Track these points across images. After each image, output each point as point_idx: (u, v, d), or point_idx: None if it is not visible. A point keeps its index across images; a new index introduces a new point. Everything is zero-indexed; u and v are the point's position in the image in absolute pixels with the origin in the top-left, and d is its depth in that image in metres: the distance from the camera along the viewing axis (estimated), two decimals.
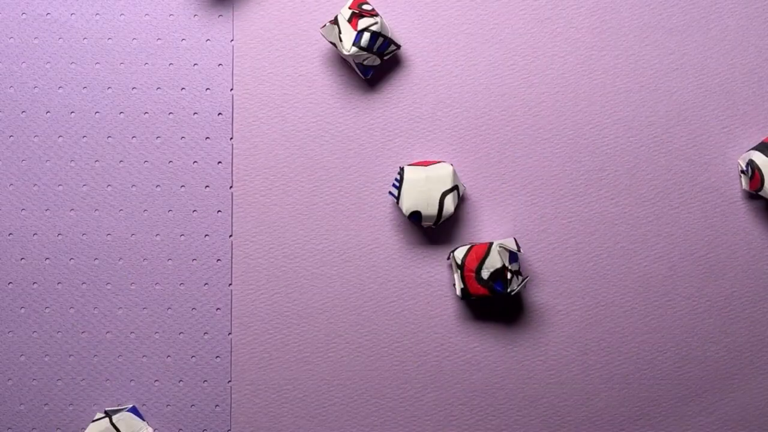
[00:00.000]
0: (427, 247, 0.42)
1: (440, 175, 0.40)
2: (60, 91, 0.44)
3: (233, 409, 0.42)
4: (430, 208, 0.40)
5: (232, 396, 0.42)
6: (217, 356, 0.42)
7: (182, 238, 0.43)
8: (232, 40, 0.45)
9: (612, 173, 0.41)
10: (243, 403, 0.42)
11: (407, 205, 0.40)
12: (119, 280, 0.43)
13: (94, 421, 0.42)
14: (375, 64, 0.39)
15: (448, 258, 0.41)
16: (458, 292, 0.39)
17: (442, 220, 0.40)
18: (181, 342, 0.43)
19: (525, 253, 0.42)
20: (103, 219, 0.44)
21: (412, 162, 0.41)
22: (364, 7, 0.38)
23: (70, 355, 0.43)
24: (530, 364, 0.42)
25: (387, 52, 0.39)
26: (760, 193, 0.41)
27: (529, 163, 0.42)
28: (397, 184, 0.37)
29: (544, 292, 0.42)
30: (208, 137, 0.44)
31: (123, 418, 0.41)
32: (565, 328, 0.42)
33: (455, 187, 0.41)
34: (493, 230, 0.42)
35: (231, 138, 0.44)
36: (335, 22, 0.39)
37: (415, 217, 0.40)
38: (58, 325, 0.43)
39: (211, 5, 0.45)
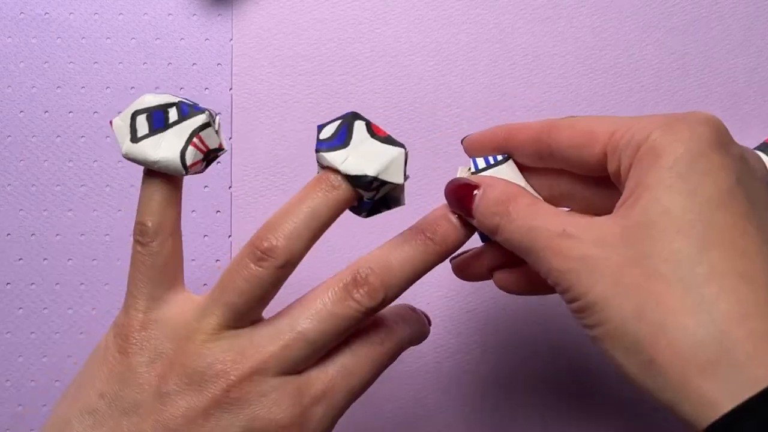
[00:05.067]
0: None
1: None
2: (58, 90, 0.44)
3: None
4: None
5: None
6: None
7: None
8: (231, 40, 0.44)
9: None
10: None
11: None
12: (117, 280, 0.43)
13: None
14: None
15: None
16: None
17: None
18: None
19: None
20: (102, 219, 0.43)
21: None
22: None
23: (68, 356, 0.43)
24: (530, 364, 0.42)
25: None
26: None
27: None
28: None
29: None
30: None
31: None
32: (565, 328, 0.42)
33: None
34: None
35: (230, 138, 0.44)
36: None
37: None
38: (56, 326, 0.43)
39: (210, 5, 0.45)
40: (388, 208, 0.29)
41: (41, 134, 0.44)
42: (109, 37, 0.44)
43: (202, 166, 0.29)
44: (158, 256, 0.27)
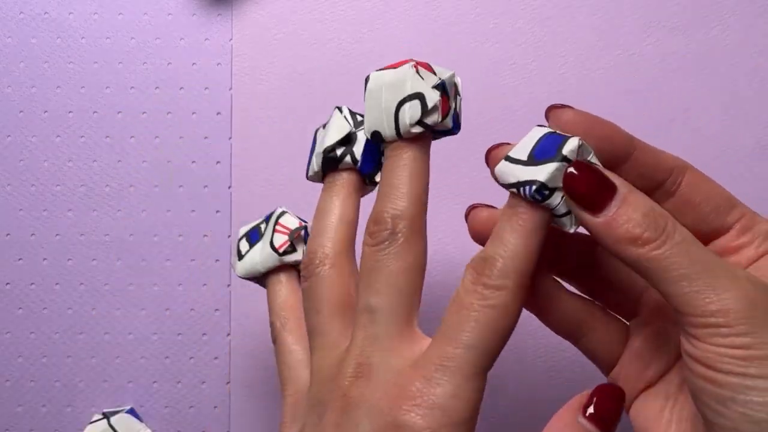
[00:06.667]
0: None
1: (397, 80, 0.27)
2: (58, 90, 0.44)
3: (232, 411, 0.41)
4: (386, 125, 0.27)
5: (231, 397, 0.41)
6: (216, 357, 0.42)
7: (180, 238, 0.43)
8: (230, 39, 0.44)
9: None
10: (242, 404, 0.41)
11: (367, 124, 0.28)
12: (117, 281, 0.43)
13: (91, 422, 0.42)
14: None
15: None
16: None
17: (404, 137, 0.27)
18: (180, 343, 0.43)
19: None
20: (101, 219, 0.43)
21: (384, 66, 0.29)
22: None
23: (68, 356, 0.43)
24: (531, 365, 0.42)
25: None
26: None
27: None
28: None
29: None
30: (206, 137, 0.44)
31: (121, 420, 0.41)
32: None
33: (417, 95, 0.26)
34: None
35: (230, 138, 0.44)
36: None
37: (377, 138, 0.27)
38: (55, 326, 0.43)
39: (210, 4, 0.45)
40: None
41: (41, 134, 0.44)
42: (108, 37, 0.44)
43: (298, 251, 0.32)
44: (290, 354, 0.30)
